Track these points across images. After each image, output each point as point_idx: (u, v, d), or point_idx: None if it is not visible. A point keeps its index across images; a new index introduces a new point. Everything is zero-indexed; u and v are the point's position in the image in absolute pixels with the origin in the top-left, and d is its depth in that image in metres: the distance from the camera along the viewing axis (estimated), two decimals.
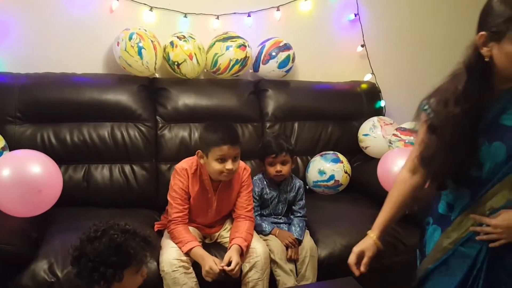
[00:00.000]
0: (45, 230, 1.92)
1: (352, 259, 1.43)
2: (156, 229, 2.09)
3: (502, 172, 1.18)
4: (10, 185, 1.64)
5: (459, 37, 3.17)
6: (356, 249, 1.45)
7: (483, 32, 1.15)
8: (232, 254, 1.84)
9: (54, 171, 1.78)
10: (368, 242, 1.44)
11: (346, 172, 2.54)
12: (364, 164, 2.68)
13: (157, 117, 2.45)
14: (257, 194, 2.17)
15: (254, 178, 2.20)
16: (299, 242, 2.06)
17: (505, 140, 1.16)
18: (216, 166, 1.89)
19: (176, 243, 1.89)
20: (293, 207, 2.23)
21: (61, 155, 2.19)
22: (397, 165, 2.17)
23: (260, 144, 2.30)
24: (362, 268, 1.43)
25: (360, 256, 1.43)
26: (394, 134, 2.45)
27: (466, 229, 1.25)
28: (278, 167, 2.15)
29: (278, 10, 2.73)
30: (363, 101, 2.83)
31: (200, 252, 1.86)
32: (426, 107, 1.29)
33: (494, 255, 1.22)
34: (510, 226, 1.17)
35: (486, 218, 1.21)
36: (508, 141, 1.16)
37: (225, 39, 2.54)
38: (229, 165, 1.88)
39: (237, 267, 1.82)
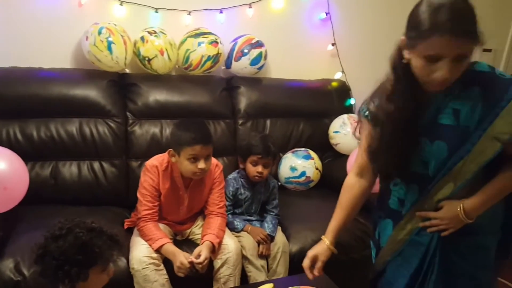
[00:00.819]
0: (11, 229, 1.87)
1: (306, 263, 1.48)
2: (126, 227, 2.06)
3: (446, 168, 1.23)
4: None
5: None
6: (310, 254, 1.49)
7: (403, 37, 1.18)
8: (202, 249, 1.85)
9: (20, 168, 1.73)
10: (322, 247, 1.48)
11: (317, 169, 2.57)
12: (334, 160, 2.72)
13: (127, 113, 2.41)
14: (231, 194, 2.16)
15: (229, 177, 2.20)
16: (271, 238, 2.08)
17: (445, 138, 1.21)
18: (188, 165, 1.88)
19: (146, 241, 1.87)
20: (267, 206, 2.24)
21: (27, 152, 2.14)
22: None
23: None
24: (316, 272, 1.47)
25: (314, 260, 1.48)
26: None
27: (418, 221, 1.30)
28: (260, 168, 2.13)
29: (250, 7, 2.73)
30: (333, 99, 2.87)
31: (171, 249, 1.85)
32: (366, 112, 1.34)
33: (447, 240, 1.28)
34: (454, 216, 1.23)
35: (431, 212, 1.27)
36: (448, 139, 1.21)
37: (197, 35, 2.53)
38: (201, 164, 1.88)
39: (205, 262, 1.82)
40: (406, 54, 1.17)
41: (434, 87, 1.17)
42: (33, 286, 1.68)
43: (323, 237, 1.50)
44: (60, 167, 2.24)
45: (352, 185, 1.46)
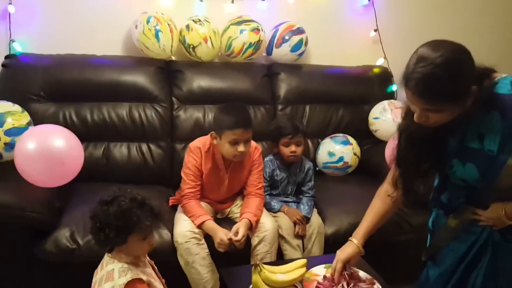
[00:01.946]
0: (67, 201, 2.04)
1: (339, 266, 1.53)
2: (170, 204, 2.20)
3: (484, 183, 1.26)
4: (36, 157, 1.76)
5: (470, 25, 3.21)
6: (342, 257, 1.54)
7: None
8: (240, 226, 1.94)
9: (76, 145, 1.89)
10: (353, 250, 1.54)
11: (355, 154, 2.60)
12: (373, 147, 2.73)
13: (173, 98, 2.54)
14: (268, 175, 2.25)
15: (265, 159, 2.28)
16: (307, 219, 2.15)
17: (474, 161, 1.25)
18: (228, 148, 1.97)
19: (189, 217, 1.99)
20: (302, 187, 2.31)
21: (82, 133, 2.27)
22: (393, 147, 2.22)
23: (273, 126, 2.35)
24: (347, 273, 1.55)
25: (344, 263, 1.54)
26: (401, 117, 2.49)
27: (470, 214, 1.34)
28: (293, 147, 2.21)
29: None
30: (374, 85, 2.87)
31: (211, 225, 1.96)
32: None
33: (498, 236, 1.31)
34: (497, 217, 1.28)
35: (479, 210, 1.31)
36: (477, 162, 1.24)
37: (239, 23, 2.60)
38: (241, 147, 1.96)
39: (243, 239, 1.91)
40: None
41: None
42: (86, 254, 1.85)
43: (352, 238, 1.56)
44: (111, 148, 2.40)
45: (383, 195, 1.53)
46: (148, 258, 1.51)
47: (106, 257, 1.41)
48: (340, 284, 1.53)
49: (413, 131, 1.29)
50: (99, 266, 1.43)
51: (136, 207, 1.35)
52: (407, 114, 1.31)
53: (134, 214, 1.33)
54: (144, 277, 1.38)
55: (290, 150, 2.21)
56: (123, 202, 1.34)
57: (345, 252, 1.55)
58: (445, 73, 1.11)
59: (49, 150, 1.78)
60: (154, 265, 1.53)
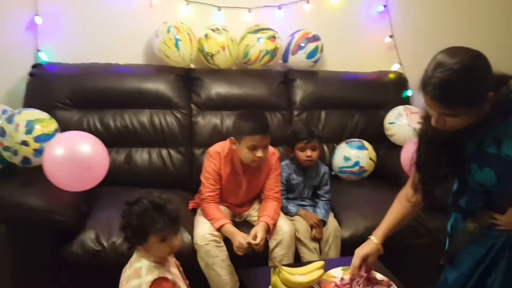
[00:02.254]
0: (91, 205, 2.12)
1: (356, 262, 1.57)
2: (190, 208, 2.26)
3: (501, 188, 1.29)
4: (63, 163, 1.84)
5: (486, 29, 3.23)
6: (361, 253, 1.57)
7: None
8: (258, 230, 1.99)
9: (102, 151, 1.97)
10: (372, 247, 1.57)
11: (371, 159, 2.63)
12: (389, 151, 2.76)
13: (192, 105, 2.61)
14: (284, 179, 2.29)
15: (282, 163, 2.32)
16: (323, 223, 2.19)
17: (492, 165, 1.27)
18: (247, 153, 2.02)
19: (208, 220, 2.05)
20: (318, 191, 2.35)
21: (105, 139, 2.32)
22: (413, 152, 2.25)
23: (289, 131, 2.40)
24: (363, 272, 1.58)
25: (364, 260, 1.58)
26: (419, 122, 2.51)
27: (487, 218, 1.36)
28: (309, 152, 2.26)
29: (308, 2, 2.83)
30: (390, 91, 2.90)
31: (230, 229, 2.01)
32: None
33: None
34: None
35: (496, 215, 1.33)
36: (495, 167, 1.27)
37: (256, 31, 2.67)
38: (259, 153, 2.01)
39: (262, 242, 1.96)
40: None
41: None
42: (111, 255, 1.92)
43: (371, 237, 1.59)
44: (133, 153, 2.48)
45: (403, 199, 1.56)
46: (174, 259, 1.57)
47: (135, 255, 1.48)
48: (359, 284, 1.57)
49: (432, 135, 1.32)
50: (128, 264, 1.50)
51: (152, 209, 1.40)
52: (426, 119, 1.34)
53: (149, 216, 1.39)
54: (169, 276, 1.43)
55: (306, 154, 2.26)
56: (141, 204, 1.41)
57: (364, 249, 1.58)
58: (462, 79, 1.15)
59: (77, 156, 1.87)
60: (179, 266, 1.59)
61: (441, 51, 1.22)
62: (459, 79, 1.15)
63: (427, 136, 1.35)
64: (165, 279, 1.42)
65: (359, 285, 1.58)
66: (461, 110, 1.19)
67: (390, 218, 1.59)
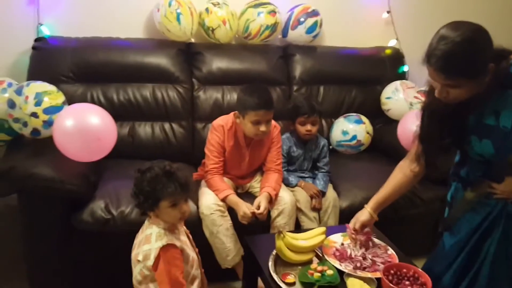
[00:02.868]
0: (100, 176, 2.18)
1: (357, 225, 1.69)
2: (194, 179, 2.32)
3: (499, 158, 1.36)
4: (74, 134, 1.89)
5: (483, 5, 3.26)
6: (361, 218, 1.69)
7: None
8: (261, 200, 2.07)
9: (110, 122, 2.02)
10: (362, 211, 1.70)
11: (368, 133, 2.71)
12: (385, 126, 2.84)
13: (193, 80, 2.65)
14: (285, 151, 2.37)
15: (282, 137, 2.38)
16: (322, 193, 2.28)
17: (490, 137, 1.35)
18: (251, 127, 2.08)
19: (213, 191, 2.12)
20: (318, 163, 2.43)
21: (109, 113, 2.35)
22: (416, 125, 2.32)
23: (291, 105, 2.45)
24: (357, 226, 1.69)
25: (362, 227, 1.70)
26: (415, 97, 2.59)
27: (486, 187, 1.44)
28: (309, 126, 2.33)
29: None
30: (386, 66, 2.96)
31: (234, 199, 2.09)
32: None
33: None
34: (510, 190, 1.39)
35: (494, 184, 1.41)
36: (493, 138, 1.34)
37: (257, 6, 2.69)
38: (263, 127, 2.07)
39: (265, 211, 2.04)
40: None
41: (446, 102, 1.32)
42: (120, 223, 1.99)
43: (366, 206, 1.70)
44: (136, 127, 2.53)
45: (405, 168, 1.64)
46: (185, 227, 1.64)
47: (146, 222, 1.55)
48: (358, 247, 1.66)
49: (435, 108, 1.40)
50: (140, 230, 1.57)
51: (163, 175, 1.47)
52: (429, 93, 1.42)
53: (160, 181, 1.46)
54: (178, 243, 1.50)
55: (306, 129, 2.33)
56: (153, 171, 1.48)
57: (360, 215, 1.71)
58: (464, 51, 1.22)
59: (87, 127, 1.91)
60: (189, 234, 1.66)
61: (444, 25, 1.28)
62: (461, 50, 1.22)
63: (430, 109, 1.43)
64: (173, 245, 1.48)
65: (358, 247, 1.67)
66: (463, 81, 1.25)
67: (387, 188, 1.68)
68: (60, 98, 2.08)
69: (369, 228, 1.73)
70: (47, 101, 2.00)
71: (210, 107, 2.63)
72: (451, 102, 1.32)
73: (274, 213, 2.14)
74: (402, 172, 1.65)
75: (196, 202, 2.13)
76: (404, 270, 1.54)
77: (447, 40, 1.22)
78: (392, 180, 1.68)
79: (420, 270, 1.55)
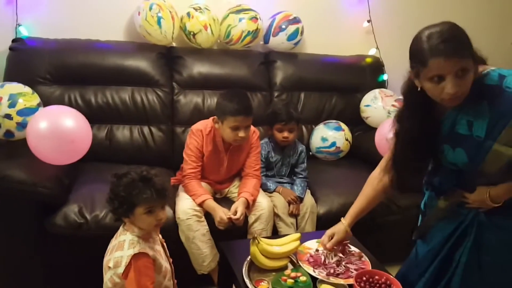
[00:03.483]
0: (75, 179, 2.15)
1: (324, 239, 1.70)
2: (172, 184, 2.31)
3: (471, 167, 1.37)
4: (47, 136, 1.86)
5: (463, 17, 3.32)
6: (328, 232, 1.71)
7: (409, 70, 1.33)
8: (238, 205, 2.07)
9: (85, 125, 1.99)
10: (340, 228, 1.69)
11: (347, 140, 2.73)
12: (365, 133, 2.87)
13: (174, 83, 2.64)
14: (263, 156, 2.37)
15: (261, 142, 2.39)
16: (300, 199, 2.28)
17: (463, 146, 1.36)
18: (229, 133, 2.08)
19: (190, 196, 2.11)
20: (296, 169, 2.44)
21: (86, 115, 2.30)
22: (390, 133, 2.35)
23: (269, 110, 2.46)
24: (328, 246, 1.68)
25: (331, 237, 1.70)
26: (392, 105, 2.63)
27: (458, 196, 1.45)
28: (286, 133, 2.34)
29: None
30: (366, 74, 3.00)
31: (211, 204, 2.08)
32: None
33: (483, 217, 1.43)
34: (482, 199, 1.40)
35: (466, 194, 1.43)
36: (466, 147, 1.36)
37: (238, 11, 2.70)
38: (241, 133, 2.07)
39: (241, 217, 2.04)
40: (417, 83, 1.33)
41: (450, 103, 1.30)
42: (94, 228, 1.96)
43: (342, 219, 1.71)
44: (114, 130, 2.50)
45: (377, 180, 1.64)
46: (160, 236, 1.62)
47: (121, 228, 1.53)
48: (331, 255, 1.67)
49: (407, 132, 1.40)
50: (114, 236, 1.55)
51: (140, 181, 1.44)
52: (401, 117, 1.43)
53: (136, 187, 1.43)
54: (150, 252, 1.47)
55: (283, 135, 2.34)
56: (129, 176, 1.45)
57: (332, 228, 1.72)
58: (459, 29, 1.24)
59: (60, 129, 1.89)
60: (164, 243, 1.63)
61: (421, 30, 1.28)
62: (457, 29, 1.24)
63: (403, 135, 1.42)
64: (145, 254, 1.45)
65: (332, 255, 1.68)
66: (470, 63, 1.24)
67: (360, 201, 1.69)
68: (35, 100, 2.06)
69: (338, 240, 1.70)
70: (21, 103, 1.97)
71: (190, 111, 2.62)
72: (460, 98, 1.28)
73: (251, 219, 2.13)
74: (372, 186, 1.66)
75: (173, 207, 2.11)
76: (377, 277, 1.54)
77: (440, 29, 1.23)
78: (363, 194, 1.69)
79: (392, 277, 1.56)
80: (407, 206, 2.42)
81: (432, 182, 1.53)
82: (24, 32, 2.50)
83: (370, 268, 1.65)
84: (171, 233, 2.02)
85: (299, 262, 1.66)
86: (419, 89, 1.33)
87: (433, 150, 1.43)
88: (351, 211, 1.69)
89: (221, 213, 2.03)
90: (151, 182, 1.47)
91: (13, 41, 2.43)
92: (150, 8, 2.52)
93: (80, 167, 2.25)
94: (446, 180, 1.48)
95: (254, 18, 2.71)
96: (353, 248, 1.78)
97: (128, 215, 1.46)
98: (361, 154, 2.77)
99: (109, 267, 1.46)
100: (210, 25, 2.64)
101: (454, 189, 1.45)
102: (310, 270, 1.61)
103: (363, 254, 1.75)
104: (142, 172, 1.48)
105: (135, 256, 1.43)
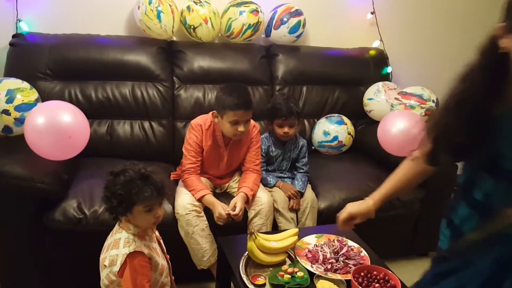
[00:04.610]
0: (74, 175, 2.15)
1: (343, 216, 1.48)
2: (172, 178, 2.31)
3: None
4: (45, 132, 1.86)
5: (465, 7, 3.27)
6: (351, 209, 1.48)
7: (501, 24, 1.04)
8: (237, 200, 2.05)
9: (82, 120, 1.99)
10: (364, 208, 1.45)
11: (349, 134, 2.70)
12: (368, 127, 2.83)
13: (174, 78, 2.62)
14: (263, 151, 2.35)
15: (262, 136, 2.36)
16: (301, 194, 2.26)
17: None
18: (229, 127, 2.06)
19: (189, 191, 2.10)
20: (297, 164, 2.42)
21: (87, 110, 2.31)
22: (395, 126, 2.32)
23: (270, 105, 2.43)
24: (347, 227, 1.51)
25: (352, 218, 1.49)
26: (396, 98, 2.58)
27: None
28: (286, 129, 2.31)
29: None
30: (370, 67, 2.96)
31: (211, 199, 2.07)
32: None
33: None
34: None
35: None
36: None
37: (239, 4, 2.67)
38: (241, 127, 2.05)
39: (240, 212, 2.02)
40: (505, 42, 1.03)
41: None
42: (92, 223, 1.96)
43: (368, 199, 1.46)
44: (115, 125, 2.50)
45: (414, 161, 1.34)
46: (157, 233, 1.61)
47: (117, 226, 1.52)
48: (329, 250, 1.65)
49: (467, 96, 1.08)
50: (110, 233, 1.54)
51: (139, 179, 1.43)
52: (467, 77, 1.11)
53: (136, 185, 1.42)
54: (145, 251, 1.46)
55: (283, 130, 2.31)
56: (127, 174, 1.44)
57: (355, 205, 1.48)
58: None
59: (58, 124, 1.88)
60: (161, 241, 1.63)
61: None
62: None
63: (462, 97, 1.10)
64: (141, 253, 1.45)
65: (330, 249, 1.66)
66: None
67: (392, 181, 1.41)
68: (33, 95, 2.06)
69: (359, 221, 1.50)
70: (19, 98, 1.97)
71: (191, 106, 2.61)
72: None
73: (251, 214, 2.12)
74: (414, 160, 1.35)
75: (172, 201, 2.10)
76: (375, 273, 1.53)
77: None
78: (400, 170, 1.40)
79: (391, 272, 1.53)
80: (410, 201, 2.40)
81: (472, 193, 1.14)
82: (24, 27, 2.50)
83: (369, 263, 1.63)
84: (170, 228, 2.02)
85: (297, 258, 1.64)
86: (500, 51, 1.03)
87: (485, 138, 1.09)
88: (382, 192, 1.43)
89: (220, 209, 2.02)
90: (150, 180, 1.45)
91: (13, 36, 2.43)
92: (150, 2, 2.50)
93: (81, 162, 2.25)
94: (500, 193, 1.09)
95: (255, 11, 2.68)
96: (352, 243, 1.76)
97: (126, 214, 1.45)
98: (364, 148, 2.74)
99: (105, 265, 1.46)
100: (210, 18, 2.62)
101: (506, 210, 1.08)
102: (308, 265, 1.60)
103: (362, 249, 1.73)
104: (140, 170, 1.46)
105: (131, 255, 1.43)
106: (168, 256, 1.64)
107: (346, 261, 1.64)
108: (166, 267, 1.59)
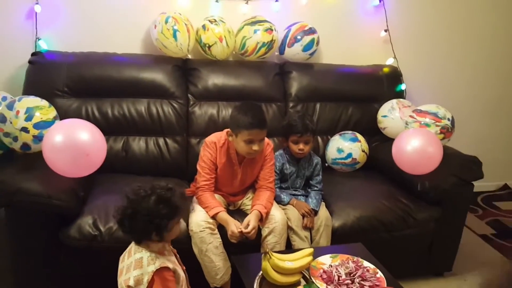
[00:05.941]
0: (89, 191, 2.17)
1: None
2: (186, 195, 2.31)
3: None
4: (62, 149, 1.88)
5: (481, 25, 3.27)
6: None
7: None
8: (250, 219, 2.05)
9: (100, 138, 2.01)
10: None
11: (363, 151, 2.69)
12: (382, 144, 2.82)
13: (189, 95, 2.65)
14: (278, 168, 2.35)
15: (276, 153, 2.37)
16: (315, 212, 2.24)
17: None
18: (243, 146, 2.06)
19: (203, 208, 2.10)
20: (310, 181, 2.41)
21: (103, 127, 2.34)
22: (410, 144, 2.31)
23: (285, 122, 2.43)
24: None
25: None
26: (410, 116, 2.57)
27: None
28: (301, 145, 2.31)
29: None
30: (384, 84, 2.95)
31: (224, 217, 2.07)
32: None
33: None
34: None
35: None
36: None
37: (253, 23, 2.71)
38: (255, 146, 2.06)
39: (253, 230, 2.02)
40: None
41: None
42: (107, 240, 1.97)
43: None
44: (130, 142, 2.53)
45: None
46: (171, 246, 1.62)
47: (134, 246, 1.51)
48: (344, 272, 1.63)
49: None
50: (126, 254, 1.53)
51: (173, 194, 1.47)
52: None
53: (176, 200, 1.46)
54: (170, 265, 1.48)
55: (298, 147, 2.31)
56: (162, 192, 1.45)
57: None
58: None
59: (75, 142, 1.91)
60: (176, 253, 1.64)
61: None
62: None
63: None
64: (166, 268, 1.46)
65: (345, 270, 1.64)
66: None
67: None
68: (51, 113, 2.09)
69: None
70: (38, 116, 2.01)
71: (205, 122, 2.63)
72: None
73: (264, 232, 2.11)
74: None
75: (186, 218, 2.11)
76: None
77: None
78: None
79: None
80: (425, 219, 2.37)
81: None
82: (43, 45, 2.56)
83: (385, 285, 1.61)
84: (184, 245, 2.01)
85: (312, 278, 1.63)
86: None
87: None
88: None
89: (233, 227, 2.02)
90: (178, 193, 1.50)
91: (32, 54, 2.49)
92: (166, 21, 2.55)
93: (96, 179, 2.27)
94: None
95: (269, 30, 2.71)
96: (367, 264, 1.74)
97: (166, 230, 1.46)
98: (378, 166, 2.72)
99: (129, 286, 1.44)
100: (225, 37, 2.65)
101: None
102: (323, 286, 1.59)
103: (378, 270, 1.71)
104: (168, 186, 1.49)
105: (157, 272, 1.44)
106: (184, 267, 1.64)
107: (362, 282, 1.62)
108: (185, 278, 1.60)
